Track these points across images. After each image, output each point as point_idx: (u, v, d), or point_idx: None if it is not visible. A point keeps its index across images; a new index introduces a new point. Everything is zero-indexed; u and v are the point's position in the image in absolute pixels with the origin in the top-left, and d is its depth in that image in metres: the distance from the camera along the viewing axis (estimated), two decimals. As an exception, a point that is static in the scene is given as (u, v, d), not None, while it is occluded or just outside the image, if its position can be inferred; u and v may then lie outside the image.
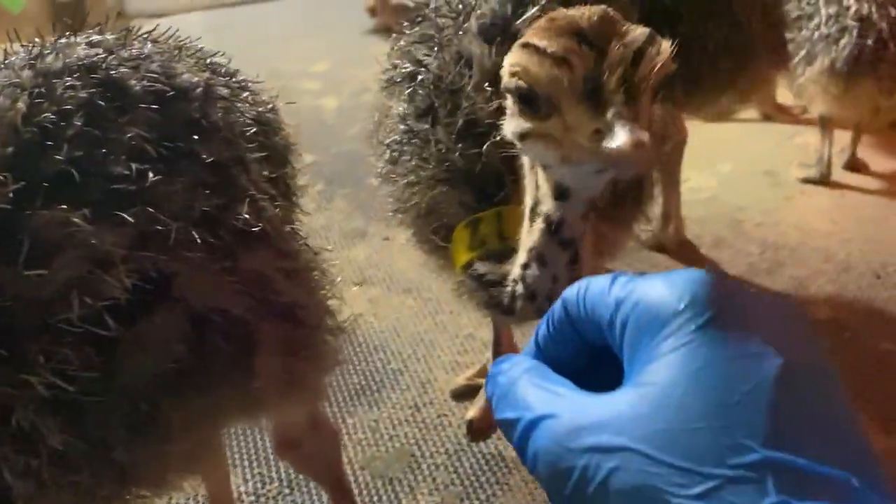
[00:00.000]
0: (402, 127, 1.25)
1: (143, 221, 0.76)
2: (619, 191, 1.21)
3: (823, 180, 2.53)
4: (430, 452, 1.66)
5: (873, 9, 2.17)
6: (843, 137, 2.60)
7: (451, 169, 1.18)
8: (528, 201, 0.97)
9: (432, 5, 1.34)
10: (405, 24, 1.39)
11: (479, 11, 1.22)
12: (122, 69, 0.84)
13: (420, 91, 1.23)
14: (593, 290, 0.48)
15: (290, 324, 0.91)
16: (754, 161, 2.69)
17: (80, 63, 0.82)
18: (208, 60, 1.08)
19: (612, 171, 0.85)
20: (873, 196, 2.50)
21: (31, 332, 0.71)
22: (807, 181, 2.55)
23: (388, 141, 1.29)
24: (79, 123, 0.77)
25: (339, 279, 2.19)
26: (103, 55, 0.84)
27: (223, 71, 1.09)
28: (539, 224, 0.95)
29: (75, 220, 0.72)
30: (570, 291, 0.50)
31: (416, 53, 1.28)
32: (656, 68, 0.81)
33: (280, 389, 0.92)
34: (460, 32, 1.22)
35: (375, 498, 1.56)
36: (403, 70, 1.29)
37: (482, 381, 1.79)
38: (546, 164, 0.90)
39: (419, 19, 1.34)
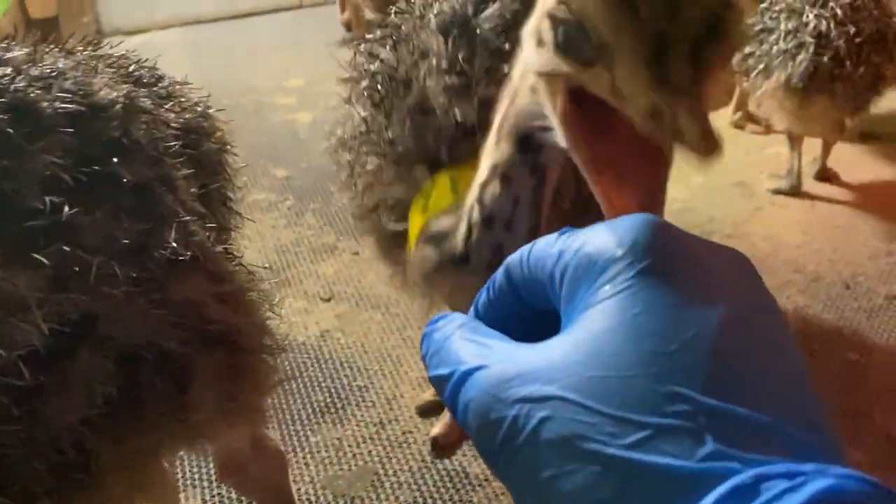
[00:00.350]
0: (361, 129, 1.23)
1: (60, 260, 0.71)
2: (583, 198, 1.19)
3: (794, 192, 2.53)
4: (394, 470, 1.63)
5: (832, 26, 2.16)
6: (814, 147, 2.60)
7: (403, 150, 1.15)
8: (498, 118, 0.88)
9: (393, 10, 1.34)
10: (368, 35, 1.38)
11: (437, 8, 1.21)
12: (33, 90, 0.78)
13: (378, 87, 1.21)
14: (539, 246, 0.46)
15: (227, 349, 0.87)
16: (725, 172, 2.69)
17: None
18: (130, 68, 1.02)
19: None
20: (843, 206, 2.51)
21: None
22: (777, 192, 2.55)
23: (347, 137, 1.28)
24: None
25: (306, 294, 2.17)
26: (11, 75, 0.78)
27: (146, 79, 1.03)
28: (510, 141, 0.85)
29: None
30: (514, 256, 0.48)
31: (375, 51, 1.27)
32: (733, 42, 0.68)
33: (220, 416, 0.88)
34: (418, 28, 1.21)
35: (336, 518, 1.53)
36: (363, 69, 1.27)
37: (448, 396, 1.77)
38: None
39: (382, 26, 1.34)
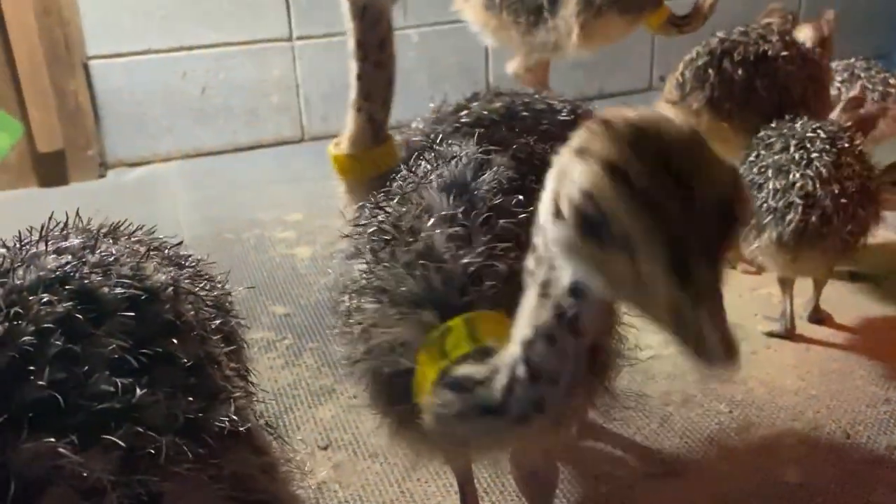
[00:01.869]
0: (362, 280, 1.29)
1: (133, 441, 0.73)
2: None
3: (788, 334, 2.56)
4: None
5: (818, 185, 2.25)
6: (806, 289, 2.65)
7: (408, 293, 1.20)
8: (538, 272, 0.91)
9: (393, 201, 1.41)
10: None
11: (438, 172, 1.32)
12: (94, 277, 0.83)
13: (382, 236, 1.29)
14: None
15: None
16: (720, 314, 2.72)
17: (52, 276, 0.81)
18: (167, 252, 1.09)
19: None
20: (838, 349, 2.53)
21: None
22: (772, 335, 2.57)
23: (348, 285, 1.34)
24: (59, 343, 0.75)
25: (303, 442, 2.13)
26: (74, 263, 0.84)
27: (175, 256, 1.09)
28: (550, 308, 0.90)
29: (62, 450, 0.70)
30: None
31: (382, 205, 1.36)
32: (744, 222, 0.71)
33: None
34: (420, 188, 1.32)
35: None
36: (370, 222, 1.36)
37: (449, 557, 1.72)
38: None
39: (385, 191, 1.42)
